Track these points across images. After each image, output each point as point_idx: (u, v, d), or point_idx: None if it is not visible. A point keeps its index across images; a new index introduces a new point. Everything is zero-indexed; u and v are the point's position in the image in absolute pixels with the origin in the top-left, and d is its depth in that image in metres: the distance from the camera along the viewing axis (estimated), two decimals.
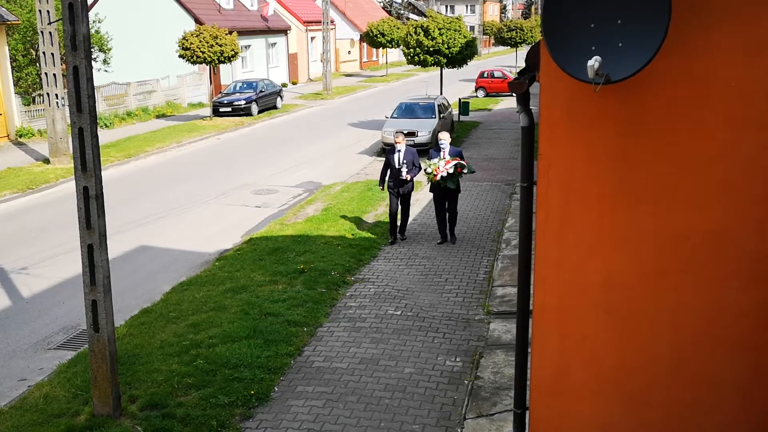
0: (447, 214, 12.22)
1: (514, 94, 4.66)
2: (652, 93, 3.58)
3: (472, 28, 68.09)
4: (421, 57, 26.58)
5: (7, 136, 22.80)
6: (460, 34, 26.40)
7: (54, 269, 11.60)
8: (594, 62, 3.28)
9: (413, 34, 26.66)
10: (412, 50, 26.77)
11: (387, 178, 12.35)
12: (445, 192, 11.72)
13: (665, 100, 3.58)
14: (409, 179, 12.03)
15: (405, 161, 12.02)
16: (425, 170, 11.57)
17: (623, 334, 3.91)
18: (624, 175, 3.73)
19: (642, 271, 3.80)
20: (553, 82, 3.75)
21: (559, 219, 3.93)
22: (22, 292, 10.76)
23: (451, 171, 11.31)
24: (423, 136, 20.89)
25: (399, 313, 9.42)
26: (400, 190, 12.17)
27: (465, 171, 11.49)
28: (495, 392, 7.33)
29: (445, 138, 11.84)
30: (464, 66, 27.97)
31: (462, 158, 11.60)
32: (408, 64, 28.65)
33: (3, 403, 7.46)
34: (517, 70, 4.98)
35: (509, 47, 52.67)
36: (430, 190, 12.14)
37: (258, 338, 8.59)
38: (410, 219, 13.21)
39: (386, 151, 12.26)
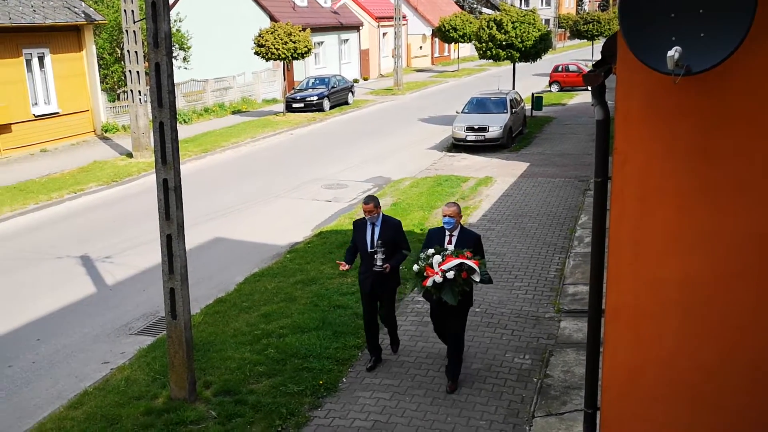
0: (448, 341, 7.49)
1: (589, 88, 4.56)
2: (736, 85, 3.44)
3: (546, 21, 66.76)
4: (494, 51, 26.29)
5: (94, 131, 23.91)
6: (535, 27, 25.96)
7: (135, 258, 12.10)
8: (674, 53, 3.17)
9: (486, 28, 26.40)
10: (484, 44, 26.51)
11: (359, 266, 7.84)
12: (441, 306, 7.07)
13: (749, 92, 3.43)
14: (386, 270, 7.42)
15: (382, 241, 7.41)
16: (414, 267, 6.99)
17: (700, 336, 3.78)
18: (703, 171, 3.60)
19: (721, 270, 3.66)
20: (631, 74, 3.65)
21: (634, 216, 3.83)
22: (107, 280, 11.28)
23: (450, 276, 6.67)
24: (494, 131, 20.69)
25: None
26: (374, 287, 7.61)
27: (475, 279, 6.80)
28: (565, 391, 7.21)
29: (450, 212, 7.15)
30: (538, 60, 27.51)
31: (479, 249, 7.11)
32: (480, 58, 28.39)
33: (88, 384, 7.86)
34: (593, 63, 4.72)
35: (585, 40, 51.42)
36: (423, 296, 7.47)
37: (327, 330, 8.73)
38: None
39: (354, 224, 7.88)
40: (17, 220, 14.78)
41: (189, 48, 28.86)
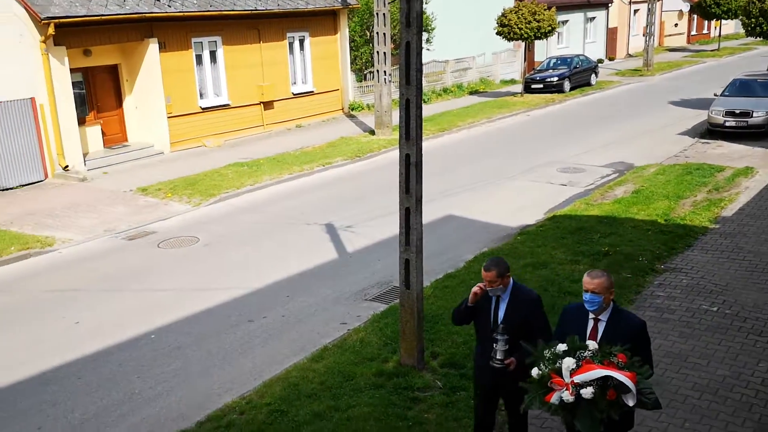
0: None
1: None
2: None
3: None
4: (765, 27, 23.41)
5: (342, 109, 25.70)
6: None
7: (373, 229, 12.82)
8: None
9: (757, 2, 23.60)
10: (753, 20, 23.79)
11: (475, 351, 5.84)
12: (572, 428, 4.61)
13: None
14: (510, 368, 5.18)
15: (505, 325, 5.32)
16: (533, 372, 4.62)
17: None
18: None
19: None
20: None
21: None
22: (347, 247, 12.11)
23: (589, 396, 4.26)
24: (759, 117, 18.51)
25: (715, 309, 8.54)
26: (497, 381, 5.44)
27: (628, 402, 4.29)
28: None
29: (594, 286, 4.71)
30: None
31: (643, 346, 4.65)
32: (747, 36, 25.49)
33: (328, 341, 8.54)
34: None
35: None
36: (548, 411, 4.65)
37: (554, 316, 8.44)
38: None
39: (477, 297, 5.48)
40: (275, 188, 16.44)
41: (433, 29, 29.61)
